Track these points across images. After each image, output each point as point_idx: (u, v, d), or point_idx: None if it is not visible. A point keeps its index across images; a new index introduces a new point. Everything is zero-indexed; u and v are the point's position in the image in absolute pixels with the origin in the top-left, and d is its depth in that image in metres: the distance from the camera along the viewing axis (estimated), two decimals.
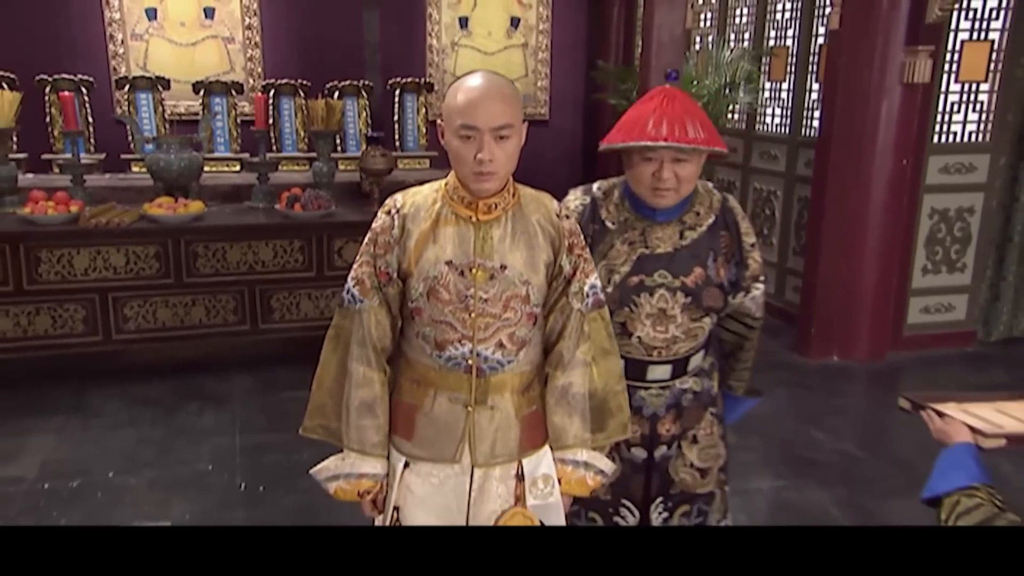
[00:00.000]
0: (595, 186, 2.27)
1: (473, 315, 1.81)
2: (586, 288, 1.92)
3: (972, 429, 1.99)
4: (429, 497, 1.90)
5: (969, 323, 5.76)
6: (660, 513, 2.32)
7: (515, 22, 8.19)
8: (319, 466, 1.92)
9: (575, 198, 2.24)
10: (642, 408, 2.22)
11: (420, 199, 1.87)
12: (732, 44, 6.63)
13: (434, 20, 7.96)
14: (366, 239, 1.89)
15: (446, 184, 1.87)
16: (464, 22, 8.05)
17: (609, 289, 2.12)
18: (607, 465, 2.00)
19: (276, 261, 4.94)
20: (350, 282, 1.89)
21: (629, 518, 2.30)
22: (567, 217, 1.94)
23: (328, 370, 1.91)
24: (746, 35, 6.63)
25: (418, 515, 1.90)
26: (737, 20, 6.75)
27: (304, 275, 5.00)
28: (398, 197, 1.89)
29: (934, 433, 2.06)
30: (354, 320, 1.88)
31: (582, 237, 1.96)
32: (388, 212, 1.87)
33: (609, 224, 2.19)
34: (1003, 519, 1.71)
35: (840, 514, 3.49)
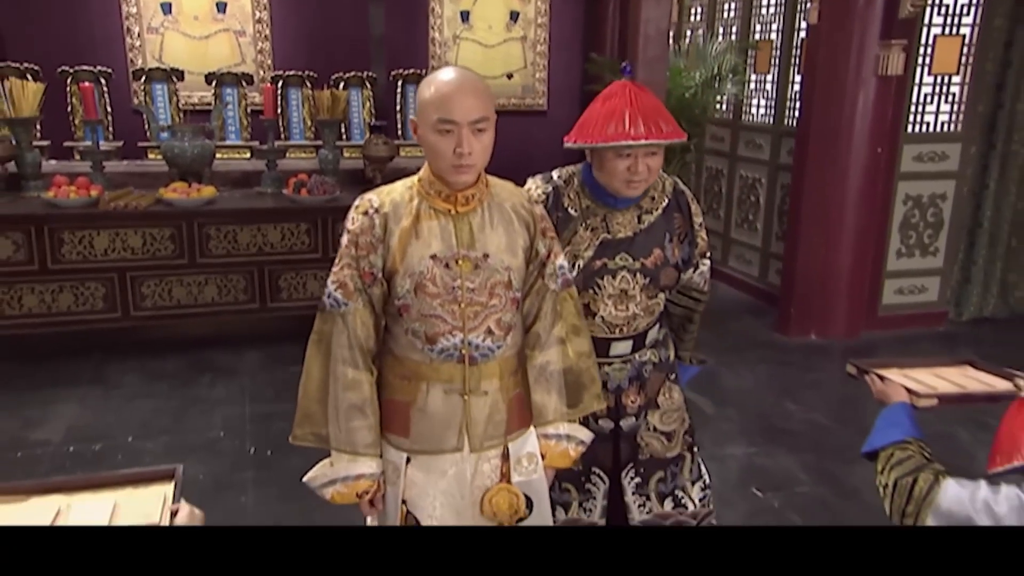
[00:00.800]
0: (555, 174, 2.26)
1: (462, 305, 1.79)
2: (557, 268, 1.93)
3: (909, 391, 2.12)
4: (434, 486, 1.87)
5: (941, 304, 5.83)
6: (632, 479, 2.34)
7: (514, 16, 8.19)
8: (310, 474, 1.86)
9: (536, 186, 2.23)
10: (607, 382, 2.24)
11: (396, 196, 1.82)
12: (720, 38, 6.70)
13: (436, 14, 7.97)
14: (344, 241, 1.82)
15: (420, 180, 1.83)
16: (465, 16, 8.06)
17: (573, 273, 2.12)
18: (586, 435, 2.03)
19: (284, 243, 5.02)
20: (331, 286, 1.81)
21: (600, 485, 2.34)
22: (537, 203, 1.96)
23: (313, 376, 1.83)
24: (734, 29, 6.68)
25: (425, 505, 1.87)
26: (726, 15, 6.81)
27: (310, 256, 5.07)
28: (373, 197, 1.83)
29: (875, 395, 2.19)
30: (337, 323, 1.80)
31: (550, 221, 1.99)
32: (366, 212, 1.80)
33: (572, 211, 2.19)
34: (929, 469, 1.84)
35: (807, 477, 3.63)
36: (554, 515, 2.25)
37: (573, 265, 2.13)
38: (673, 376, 2.40)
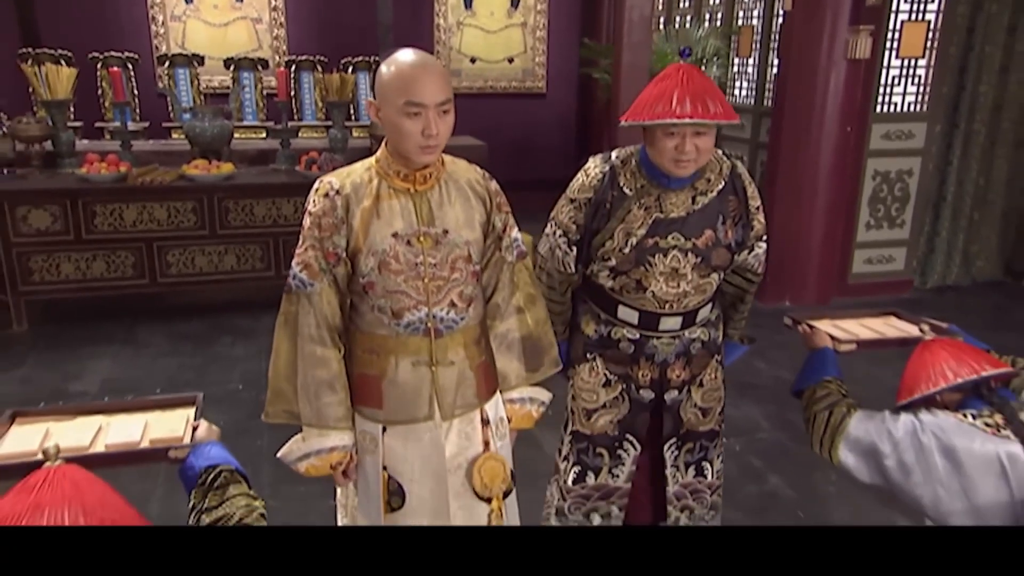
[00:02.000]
0: (613, 155, 2.20)
1: (425, 280, 1.77)
2: (512, 242, 1.92)
3: (832, 337, 2.32)
4: (411, 452, 1.85)
5: (907, 272, 5.91)
6: (671, 451, 2.33)
7: (515, 2, 8.23)
8: (284, 450, 1.82)
9: (595, 166, 2.18)
10: (654, 355, 2.21)
11: (356, 178, 1.77)
12: (706, 23, 6.80)
13: (441, 1, 8.05)
14: (307, 224, 1.76)
15: (378, 160, 1.78)
16: (468, 3, 8.11)
17: (626, 250, 2.10)
18: (547, 396, 2.03)
19: (296, 216, 5.06)
20: (296, 267, 1.76)
21: (631, 452, 2.31)
22: (491, 179, 1.92)
23: (282, 356, 1.79)
24: (719, 15, 6.75)
25: (404, 469, 1.85)
26: (711, 2, 6.87)
27: None
28: (332, 180, 1.77)
29: (804, 342, 2.39)
30: (303, 304, 1.76)
31: (503, 195, 1.94)
32: (327, 195, 1.74)
33: (627, 191, 2.13)
34: (844, 403, 2.05)
35: (767, 424, 3.83)
36: (584, 477, 2.32)
37: (626, 242, 2.11)
38: (719, 357, 2.36)
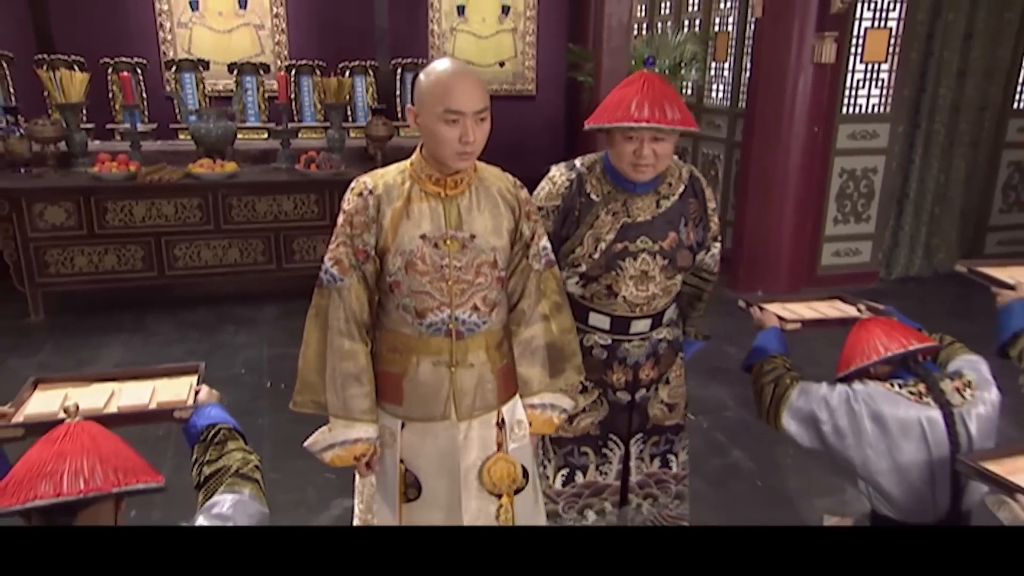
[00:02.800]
0: (578, 162, 2.19)
1: (450, 283, 1.75)
2: (540, 250, 1.89)
3: (779, 318, 2.46)
4: (428, 449, 1.84)
5: (873, 264, 5.99)
6: (638, 444, 2.34)
7: (506, 9, 8.30)
8: (310, 440, 1.82)
9: (560, 173, 2.16)
10: (626, 358, 2.21)
11: (389, 179, 1.77)
12: (685, 29, 6.87)
13: (435, 8, 8.09)
14: (340, 221, 1.77)
15: (412, 164, 1.78)
16: (461, 10, 8.17)
17: (596, 255, 2.09)
18: (568, 403, 2.00)
19: (296, 211, 5.18)
20: (328, 263, 1.77)
21: (616, 451, 2.32)
22: (522, 188, 1.89)
23: (312, 348, 1.79)
24: (698, 21, 6.82)
25: (421, 464, 1.85)
26: (690, 8, 6.95)
27: (319, 223, 5.21)
28: (367, 180, 1.77)
29: (755, 322, 2.52)
30: (333, 298, 1.75)
31: (534, 205, 1.93)
32: (360, 194, 1.75)
33: (594, 196, 2.12)
34: (788, 376, 2.18)
35: (733, 404, 3.96)
36: (573, 477, 2.31)
37: (596, 248, 2.09)
38: (681, 353, 2.39)
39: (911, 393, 2.00)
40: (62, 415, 1.45)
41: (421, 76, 1.70)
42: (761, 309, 2.51)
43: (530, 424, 1.93)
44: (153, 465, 1.40)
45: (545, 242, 1.91)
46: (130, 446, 1.43)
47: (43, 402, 1.70)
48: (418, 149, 1.78)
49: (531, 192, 2.27)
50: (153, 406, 1.73)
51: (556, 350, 1.93)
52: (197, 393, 1.77)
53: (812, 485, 3.23)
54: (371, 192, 1.74)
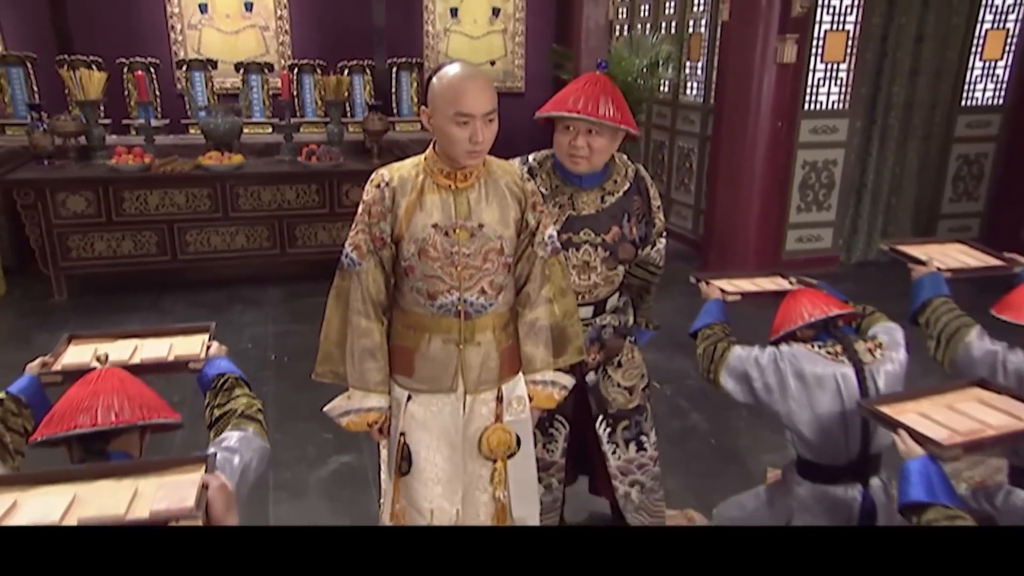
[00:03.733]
0: (531, 157, 2.22)
1: (459, 268, 1.79)
2: (546, 238, 1.93)
3: (722, 291, 2.64)
4: (430, 421, 1.89)
5: (834, 250, 6.10)
6: (604, 429, 2.39)
7: (496, 11, 8.35)
8: (330, 405, 1.91)
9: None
10: None
11: (405, 172, 1.82)
12: (662, 31, 6.99)
13: (430, 10, 8.12)
14: (360, 210, 1.83)
15: (426, 158, 1.82)
16: (454, 11, 8.20)
17: None
18: (569, 381, 2.05)
19: (298, 200, 5.32)
20: (348, 248, 1.83)
21: (562, 430, 2.36)
22: (529, 180, 1.94)
23: (333, 324, 1.87)
24: (673, 23, 6.91)
25: (422, 437, 1.90)
26: (667, 11, 7.04)
27: (320, 212, 5.35)
28: (384, 172, 1.82)
29: (702, 295, 2.70)
30: (353, 280, 1.82)
31: (540, 196, 1.97)
32: (378, 185, 1.81)
33: (543, 190, 2.14)
34: (726, 340, 2.37)
35: (695, 374, 4.00)
36: None
37: None
38: (633, 339, 2.45)
39: (828, 352, 2.18)
40: (95, 364, 1.64)
41: (434, 79, 1.74)
42: (707, 284, 2.69)
43: (531, 399, 1.99)
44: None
45: (551, 231, 1.95)
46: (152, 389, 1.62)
47: (76, 354, 1.88)
48: (431, 145, 1.83)
49: None
50: (171, 359, 1.91)
51: (559, 331, 1.97)
52: (208, 348, 1.95)
53: (759, 443, 3.44)
54: (387, 184, 1.81)
